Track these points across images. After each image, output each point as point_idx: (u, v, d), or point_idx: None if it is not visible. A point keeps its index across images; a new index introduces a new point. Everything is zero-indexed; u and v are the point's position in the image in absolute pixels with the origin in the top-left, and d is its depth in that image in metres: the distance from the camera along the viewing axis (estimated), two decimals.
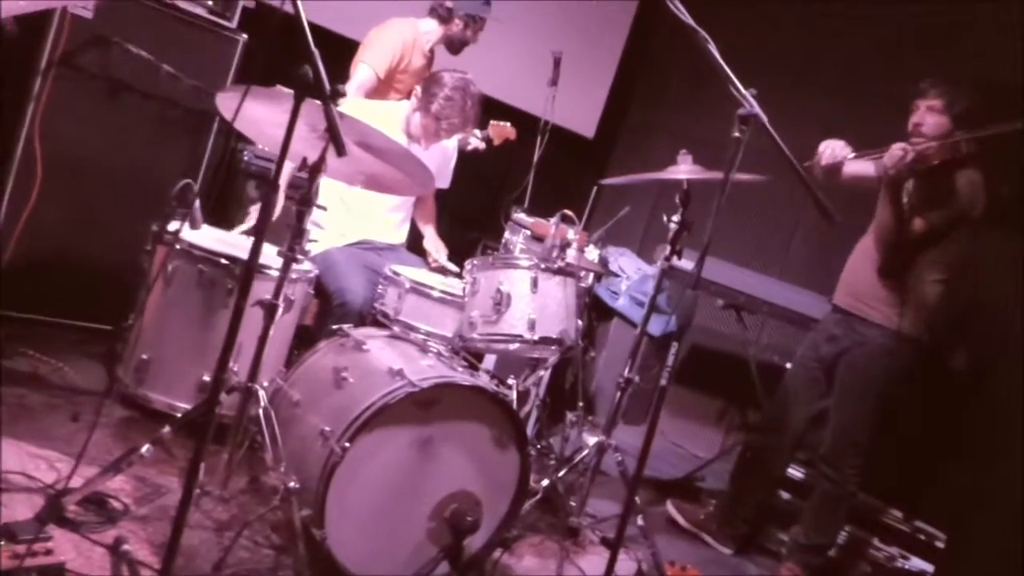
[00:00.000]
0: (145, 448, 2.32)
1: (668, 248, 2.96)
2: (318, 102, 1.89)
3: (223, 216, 3.78)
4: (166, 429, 2.35)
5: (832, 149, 3.11)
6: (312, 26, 1.85)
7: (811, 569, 3.36)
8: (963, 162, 3.04)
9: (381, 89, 3.96)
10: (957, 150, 3.01)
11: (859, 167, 3.18)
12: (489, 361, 3.88)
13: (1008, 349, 3.70)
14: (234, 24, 3.58)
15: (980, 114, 3.00)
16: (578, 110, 5.70)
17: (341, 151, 1.89)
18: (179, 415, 2.50)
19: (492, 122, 4.34)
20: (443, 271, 3.37)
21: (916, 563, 3.61)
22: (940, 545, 3.59)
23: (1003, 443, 3.74)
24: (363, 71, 3.90)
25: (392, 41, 3.97)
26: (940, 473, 3.88)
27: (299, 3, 1.82)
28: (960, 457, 3.85)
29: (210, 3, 3.52)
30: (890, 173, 2.97)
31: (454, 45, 4.14)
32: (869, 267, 3.21)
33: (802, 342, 3.61)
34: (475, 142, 4.27)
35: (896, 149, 2.95)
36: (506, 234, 4.25)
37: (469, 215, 5.39)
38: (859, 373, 3.24)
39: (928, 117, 3.05)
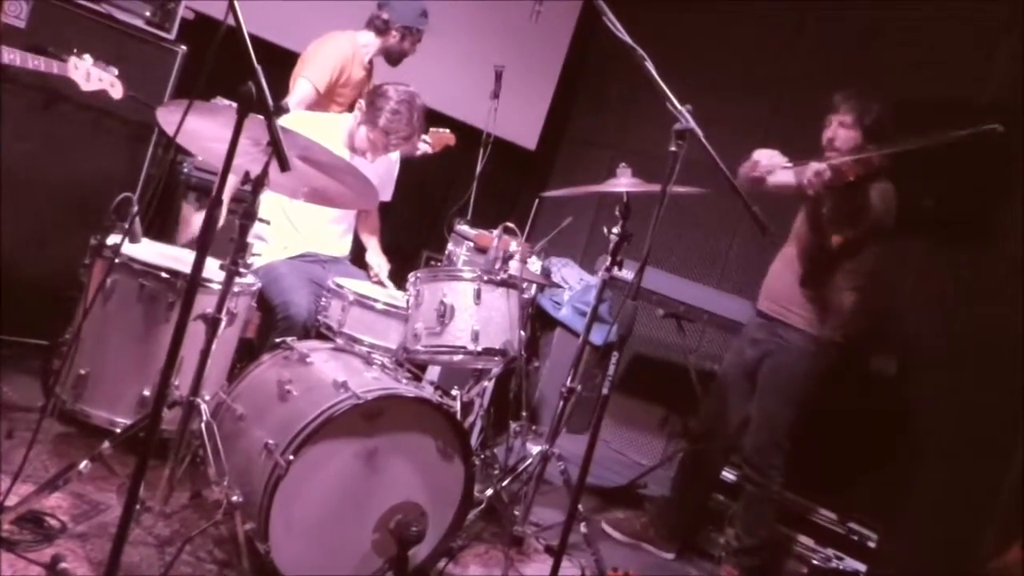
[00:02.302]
0: (84, 464, 2.30)
1: (609, 259, 3.03)
2: (261, 117, 1.90)
3: (163, 228, 3.74)
4: (106, 445, 2.32)
5: (768, 158, 3.20)
6: (252, 38, 1.85)
7: (748, 570, 3.44)
8: (876, 174, 3.15)
9: (322, 103, 3.96)
10: (870, 164, 3.12)
11: (782, 177, 3.28)
12: (433, 372, 3.89)
13: (928, 355, 3.88)
14: (172, 35, 3.55)
15: (889, 126, 3.14)
16: (520, 122, 5.76)
17: (285, 166, 1.90)
18: (119, 430, 2.47)
19: (432, 129, 4.36)
20: (383, 287, 3.37)
21: (850, 563, 3.72)
22: (872, 545, 3.71)
23: (928, 445, 3.91)
24: (303, 86, 3.90)
25: (331, 55, 3.97)
26: (870, 474, 4.02)
27: (240, 17, 1.82)
28: (888, 458, 4.00)
29: (148, 14, 3.49)
30: (810, 193, 3.06)
31: (392, 57, 4.16)
32: (791, 275, 3.34)
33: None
34: (424, 147, 4.30)
35: (813, 171, 3.01)
36: (449, 246, 4.29)
37: (412, 227, 5.41)
38: (781, 375, 3.35)
39: (840, 131, 3.17)
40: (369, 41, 4.10)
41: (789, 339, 3.31)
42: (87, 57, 2.74)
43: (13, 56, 2.66)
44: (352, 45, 4.05)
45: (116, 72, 2.86)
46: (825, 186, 3.02)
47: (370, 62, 4.17)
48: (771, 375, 3.37)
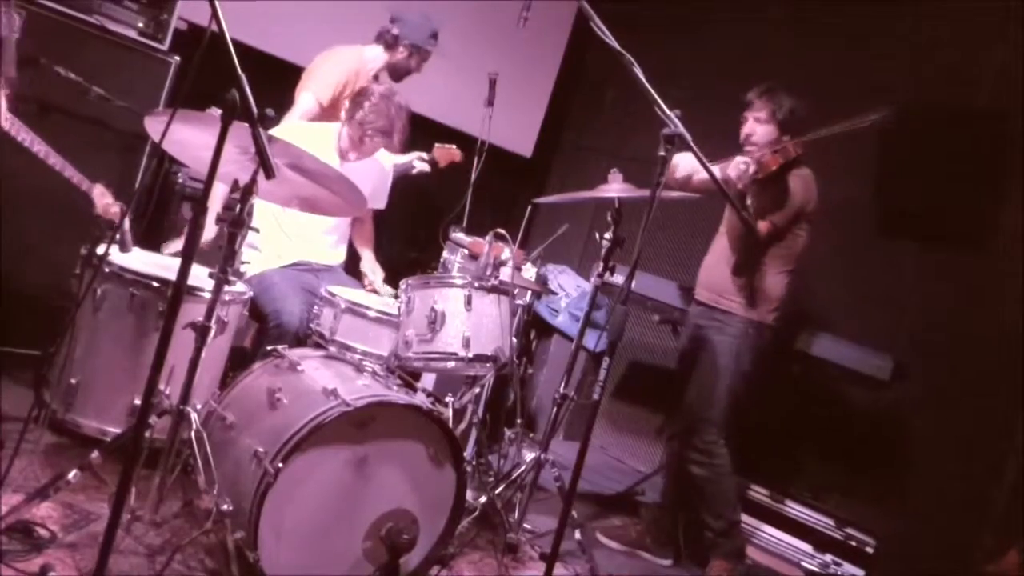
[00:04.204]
0: (72, 474, 2.30)
1: (601, 265, 3.02)
2: (246, 125, 1.91)
3: (158, 238, 3.74)
4: (95, 454, 2.33)
5: (689, 159, 3.21)
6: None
7: (732, 555, 3.44)
8: (796, 162, 3.29)
9: (327, 116, 3.92)
10: (789, 153, 3.25)
11: (706, 174, 3.32)
12: (428, 380, 3.89)
13: (925, 358, 3.87)
14: (165, 46, 3.56)
15: (800, 118, 3.29)
16: (516, 130, 5.76)
17: (270, 173, 1.90)
18: (109, 440, 2.47)
19: (437, 145, 4.36)
20: (377, 294, 3.37)
21: (848, 569, 3.70)
22: (870, 550, 3.69)
23: (925, 450, 3.90)
24: (306, 100, 3.88)
25: (336, 70, 3.96)
26: (868, 479, 4.01)
27: (224, 24, 1.83)
28: (887, 463, 3.99)
29: (140, 25, 3.51)
30: (739, 187, 3.18)
31: (397, 72, 4.16)
32: (724, 265, 3.45)
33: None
34: (420, 165, 4.29)
35: (740, 163, 3.17)
36: (444, 253, 4.29)
37: (408, 235, 5.41)
38: (713, 352, 3.44)
39: (757, 127, 3.34)
40: (376, 55, 4.10)
41: (726, 322, 3.43)
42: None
43: (55, 161, 2.84)
44: (358, 60, 4.05)
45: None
46: (752, 178, 3.18)
47: (375, 76, 4.16)
48: (705, 354, 3.47)
